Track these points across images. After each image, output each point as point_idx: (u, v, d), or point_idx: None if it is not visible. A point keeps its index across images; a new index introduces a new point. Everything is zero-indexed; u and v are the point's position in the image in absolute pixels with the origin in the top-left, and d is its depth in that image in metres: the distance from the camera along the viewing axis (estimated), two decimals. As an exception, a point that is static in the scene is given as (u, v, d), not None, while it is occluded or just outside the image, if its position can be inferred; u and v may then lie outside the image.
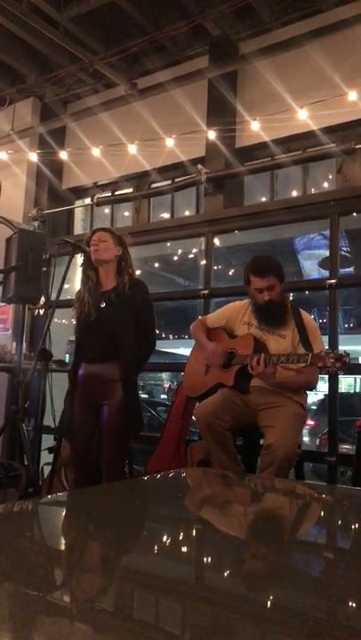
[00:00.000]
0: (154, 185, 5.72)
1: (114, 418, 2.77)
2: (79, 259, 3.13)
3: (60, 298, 3.02)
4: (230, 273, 6.85)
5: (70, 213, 6.50)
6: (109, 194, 6.17)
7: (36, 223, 5.89)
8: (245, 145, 5.01)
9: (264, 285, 2.83)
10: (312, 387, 2.88)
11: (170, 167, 5.50)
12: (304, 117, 4.41)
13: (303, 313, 2.91)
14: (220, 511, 1.45)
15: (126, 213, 6.46)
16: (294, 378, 2.76)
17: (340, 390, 4.19)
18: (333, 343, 3.83)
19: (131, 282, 2.89)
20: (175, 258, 7.52)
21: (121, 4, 4.74)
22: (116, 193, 6.13)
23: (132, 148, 5.32)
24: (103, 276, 2.95)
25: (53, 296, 3.05)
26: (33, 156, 5.97)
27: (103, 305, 2.86)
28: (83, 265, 3.01)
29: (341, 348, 3.55)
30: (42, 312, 5.17)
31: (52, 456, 3.48)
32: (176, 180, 5.55)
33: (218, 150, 4.95)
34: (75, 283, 3.13)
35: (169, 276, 8.80)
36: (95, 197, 5.97)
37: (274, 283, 2.84)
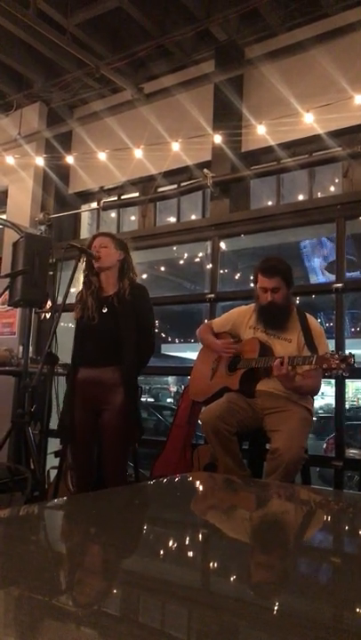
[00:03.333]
0: (160, 189, 5.73)
1: (115, 422, 2.77)
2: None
3: (67, 302, 3.03)
4: (236, 277, 6.84)
5: (77, 218, 6.52)
6: (115, 198, 6.19)
7: (42, 227, 5.91)
8: (251, 149, 5.01)
9: (270, 286, 2.84)
10: (316, 391, 2.87)
11: (176, 171, 5.51)
12: (310, 121, 4.40)
13: (309, 317, 2.91)
14: (226, 516, 1.44)
15: (132, 217, 6.47)
16: (303, 381, 2.75)
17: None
18: (340, 347, 3.82)
19: (131, 287, 2.90)
20: (181, 262, 7.53)
21: (127, 9, 4.76)
22: (123, 197, 6.15)
23: (139, 153, 5.34)
24: (105, 281, 2.96)
25: (60, 300, 3.06)
26: (39, 161, 5.99)
27: (105, 310, 2.86)
28: (85, 270, 3.02)
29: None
30: (48, 316, 5.18)
31: (58, 460, 3.48)
32: (182, 184, 5.56)
33: (224, 154, 4.96)
34: (81, 286, 3.14)
35: (175, 279, 8.80)
36: (101, 202, 5.99)
37: (279, 285, 2.84)
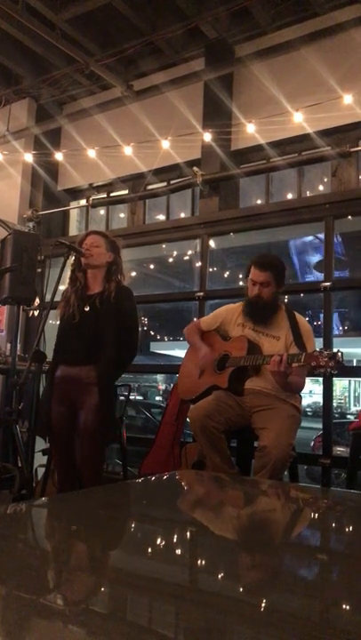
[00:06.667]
0: (149, 187, 5.72)
1: (89, 420, 2.76)
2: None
3: (55, 299, 3.01)
4: (226, 275, 6.85)
5: (65, 214, 6.49)
6: (105, 195, 6.17)
7: (31, 224, 5.88)
8: (241, 147, 5.02)
9: (259, 279, 2.85)
10: (301, 388, 2.88)
11: (165, 169, 5.50)
12: (299, 120, 4.42)
13: (298, 316, 2.92)
14: (214, 514, 1.45)
15: (122, 215, 6.45)
16: (291, 378, 2.76)
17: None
18: (328, 345, 3.84)
19: (116, 288, 2.88)
20: (170, 260, 7.52)
21: (117, 5, 4.75)
22: (112, 194, 6.13)
23: (128, 150, 5.32)
24: (91, 280, 2.95)
25: (48, 297, 3.04)
26: (28, 157, 5.96)
27: (87, 309, 2.85)
28: (73, 265, 3.00)
29: (336, 350, 3.56)
30: (36, 313, 5.16)
31: (45, 458, 3.47)
32: (172, 181, 5.56)
33: (213, 152, 4.96)
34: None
35: (164, 277, 8.80)
36: (90, 199, 5.97)
37: (269, 280, 2.85)
